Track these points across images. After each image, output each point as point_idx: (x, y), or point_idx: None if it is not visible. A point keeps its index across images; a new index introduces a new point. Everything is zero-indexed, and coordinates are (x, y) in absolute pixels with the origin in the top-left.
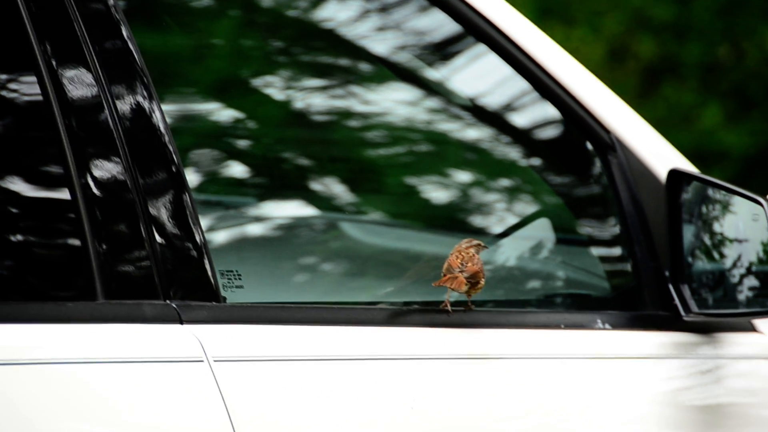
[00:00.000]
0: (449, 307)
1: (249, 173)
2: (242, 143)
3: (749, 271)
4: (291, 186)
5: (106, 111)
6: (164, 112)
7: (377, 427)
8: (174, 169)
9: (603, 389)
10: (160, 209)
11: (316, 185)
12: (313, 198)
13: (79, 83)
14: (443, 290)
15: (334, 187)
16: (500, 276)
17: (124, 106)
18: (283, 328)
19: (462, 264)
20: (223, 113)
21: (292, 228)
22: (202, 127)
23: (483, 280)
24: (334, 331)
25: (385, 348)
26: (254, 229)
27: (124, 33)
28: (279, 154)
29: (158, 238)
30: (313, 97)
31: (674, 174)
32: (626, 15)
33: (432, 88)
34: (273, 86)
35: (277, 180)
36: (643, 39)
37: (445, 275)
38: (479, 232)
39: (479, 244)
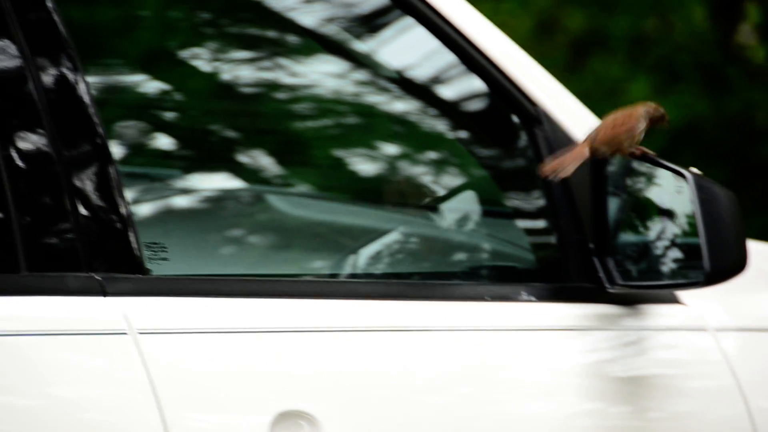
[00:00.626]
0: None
1: (175, 145)
2: (169, 115)
3: (673, 243)
4: (218, 158)
5: (30, 83)
6: (89, 84)
7: (301, 399)
8: (99, 141)
9: (527, 361)
10: (85, 181)
11: (243, 157)
12: (239, 170)
13: (2, 54)
14: (371, 262)
15: (261, 160)
16: (426, 248)
17: (48, 77)
18: (208, 301)
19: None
20: (149, 85)
21: (219, 200)
22: (128, 99)
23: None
24: (260, 304)
25: (311, 320)
26: (180, 202)
27: (48, 4)
28: (206, 127)
29: (82, 210)
30: (240, 70)
31: None
32: None
33: (359, 61)
34: (200, 58)
35: (203, 152)
36: (571, 12)
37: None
38: (407, 204)
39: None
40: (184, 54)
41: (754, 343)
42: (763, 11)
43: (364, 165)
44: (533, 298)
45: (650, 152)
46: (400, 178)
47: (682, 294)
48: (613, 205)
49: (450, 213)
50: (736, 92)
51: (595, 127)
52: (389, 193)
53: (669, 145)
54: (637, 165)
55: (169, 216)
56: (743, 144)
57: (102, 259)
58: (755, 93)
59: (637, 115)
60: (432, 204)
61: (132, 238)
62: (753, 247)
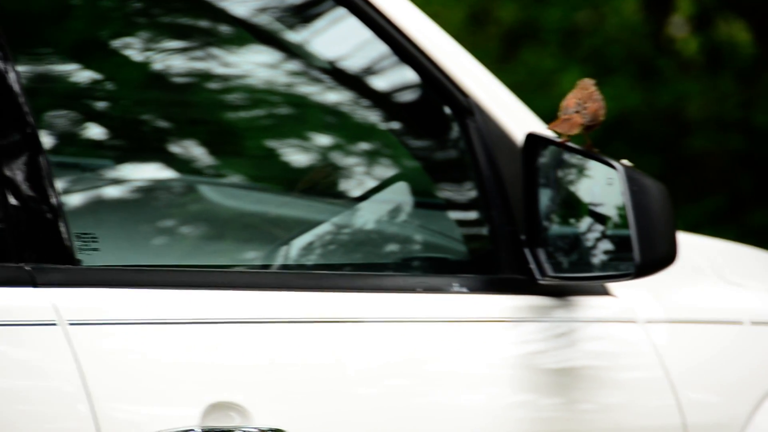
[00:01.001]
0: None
1: (107, 135)
2: (100, 105)
3: (604, 235)
4: (149, 148)
5: None
6: (19, 73)
7: (232, 390)
8: (29, 130)
9: (458, 352)
10: (14, 171)
11: (175, 148)
12: (171, 161)
13: None
14: (302, 253)
15: (193, 150)
16: (358, 239)
17: None
18: (139, 292)
19: (579, 103)
20: (80, 75)
21: (150, 190)
22: (59, 89)
23: (603, 116)
24: (191, 295)
25: (242, 311)
26: (111, 192)
27: None
28: (137, 117)
29: (12, 201)
30: (172, 60)
31: (531, 138)
32: None
33: (292, 51)
34: (132, 48)
35: (135, 142)
36: (503, 3)
37: (559, 116)
38: (338, 196)
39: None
40: (116, 43)
41: (683, 335)
42: (696, 2)
43: (296, 156)
44: (465, 290)
45: (580, 147)
46: (315, 168)
47: (612, 286)
48: (545, 196)
49: (382, 204)
50: (667, 84)
51: (576, 98)
52: (305, 182)
53: (600, 136)
54: (568, 157)
55: (100, 206)
56: (674, 136)
57: (32, 249)
58: (686, 85)
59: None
60: (364, 195)
61: (62, 228)
62: (683, 238)
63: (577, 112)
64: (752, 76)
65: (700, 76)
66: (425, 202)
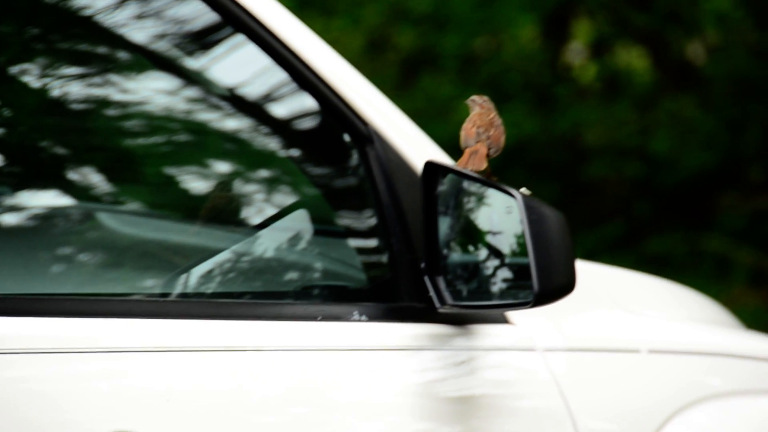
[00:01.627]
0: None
1: (3, 162)
2: None
3: (503, 263)
4: (47, 175)
5: None
6: None
7: (133, 419)
8: None
9: (358, 381)
10: None
11: (72, 175)
12: (69, 188)
13: None
14: (202, 281)
15: (91, 177)
16: (258, 267)
17: None
18: (36, 320)
19: (479, 132)
20: None
21: (48, 218)
22: None
23: (504, 141)
24: (90, 323)
25: (141, 340)
26: (8, 219)
27: None
28: (35, 143)
29: None
30: (70, 86)
31: (430, 166)
32: (385, 6)
33: (191, 78)
34: (29, 74)
35: (32, 169)
36: (402, 30)
37: (464, 150)
38: (238, 223)
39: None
40: (13, 69)
41: (582, 363)
42: (593, 29)
43: (195, 183)
44: (365, 318)
45: (479, 176)
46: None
47: (511, 314)
48: (444, 224)
49: (282, 232)
50: (564, 111)
51: (476, 126)
52: (207, 209)
53: (499, 163)
54: (467, 185)
55: None
56: (572, 162)
57: None
58: (583, 112)
59: (497, 115)
60: (264, 222)
61: None
62: (581, 267)
63: (479, 141)
64: (650, 103)
65: (597, 103)
66: (325, 229)
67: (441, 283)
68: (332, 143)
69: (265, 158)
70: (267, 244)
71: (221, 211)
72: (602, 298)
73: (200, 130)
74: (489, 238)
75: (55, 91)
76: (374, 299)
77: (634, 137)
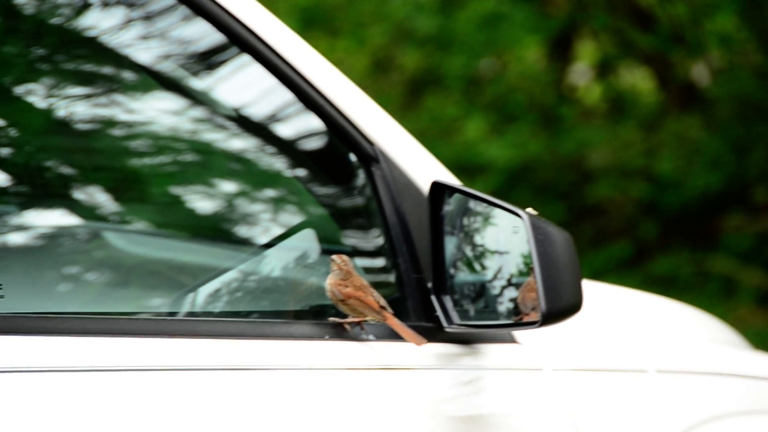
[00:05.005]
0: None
1: (10, 181)
2: (3, 151)
3: (509, 282)
4: (54, 195)
5: None
6: None
7: None
8: None
9: (366, 401)
10: None
11: (79, 194)
12: (76, 207)
13: None
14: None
15: (98, 197)
16: (265, 286)
17: None
18: (45, 339)
19: (376, 298)
20: None
21: (55, 237)
22: None
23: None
24: (97, 342)
25: (149, 359)
26: (16, 238)
27: None
28: (42, 163)
29: None
30: (76, 106)
31: (436, 186)
32: (390, 27)
33: (197, 98)
34: (35, 94)
35: (39, 189)
36: (407, 51)
37: (361, 315)
38: (245, 242)
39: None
40: (19, 89)
41: (589, 382)
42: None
43: (202, 202)
44: (372, 338)
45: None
46: None
47: (519, 334)
48: (451, 244)
49: (289, 251)
50: (569, 132)
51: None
52: None
53: (504, 184)
54: (473, 205)
55: (4, 253)
56: (578, 183)
57: None
58: (589, 133)
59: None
60: (271, 242)
61: None
62: (588, 287)
63: (383, 307)
64: (655, 124)
65: (603, 124)
66: (332, 249)
67: (448, 302)
68: (338, 163)
69: (271, 178)
70: (274, 263)
71: None
72: (609, 317)
73: (206, 149)
74: (495, 258)
75: (61, 110)
76: None
77: (640, 158)
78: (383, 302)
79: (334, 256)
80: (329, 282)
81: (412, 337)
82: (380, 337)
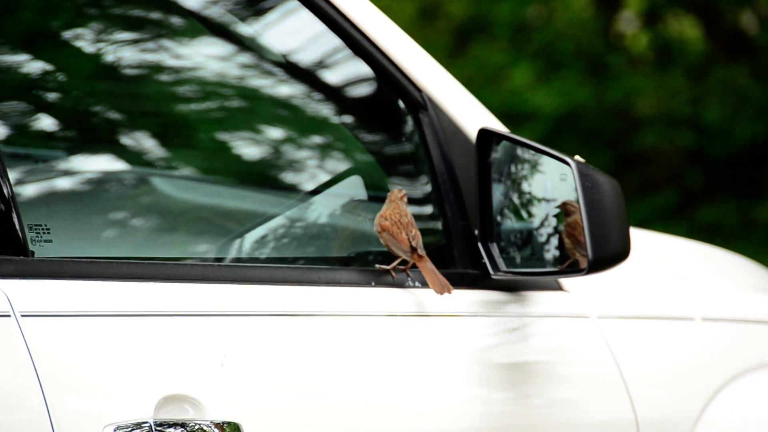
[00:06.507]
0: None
1: (59, 127)
2: (52, 96)
3: (556, 230)
4: (101, 140)
5: None
6: None
7: (188, 383)
8: None
9: (412, 346)
10: None
11: (126, 140)
12: (123, 152)
13: None
14: (256, 246)
15: (145, 142)
16: (312, 233)
17: None
18: (92, 283)
19: (410, 238)
20: (32, 65)
21: (103, 182)
22: (10, 79)
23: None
24: (144, 287)
25: (195, 304)
26: (64, 183)
27: None
28: (89, 108)
29: None
30: (124, 51)
31: (484, 133)
32: None
33: (244, 44)
34: (83, 39)
35: (87, 134)
36: None
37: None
38: (291, 189)
39: (401, 196)
40: (67, 35)
41: (635, 330)
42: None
43: (248, 149)
44: (419, 285)
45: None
46: None
47: (565, 281)
48: (498, 192)
49: (336, 198)
50: (617, 80)
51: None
52: None
53: (551, 132)
54: (521, 152)
55: (52, 198)
56: (624, 131)
57: None
58: (636, 81)
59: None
60: (318, 189)
61: (15, 219)
62: (635, 234)
63: (414, 250)
64: (702, 72)
65: (650, 72)
66: (379, 196)
67: (494, 250)
68: (386, 110)
69: (318, 124)
70: (321, 210)
71: None
72: (656, 265)
73: (253, 95)
74: (543, 205)
75: (108, 56)
76: None
77: (686, 107)
78: (417, 244)
79: (392, 187)
80: (378, 213)
81: (435, 284)
82: (425, 284)
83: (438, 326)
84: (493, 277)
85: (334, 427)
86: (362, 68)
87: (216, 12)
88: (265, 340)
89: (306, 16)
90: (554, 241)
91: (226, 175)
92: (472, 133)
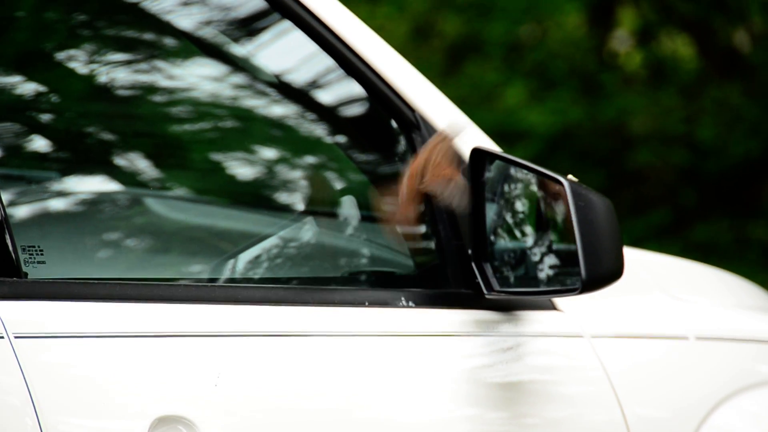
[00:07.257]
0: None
1: (52, 148)
2: (45, 117)
3: (550, 249)
4: (95, 161)
5: None
6: None
7: (181, 404)
8: None
9: (406, 367)
10: None
11: (120, 160)
12: (117, 173)
13: None
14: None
15: (139, 163)
16: (305, 253)
17: None
18: (85, 305)
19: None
20: (25, 86)
21: (96, 203)
22: (3, 100)
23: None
24: (137, 308)
25: (189, 325)
26: (57, 204)
27: None
28: (83, 129)
29: None
30: (117, 72)
31: (477, 152)
32: None
33: (237, 64)
34: (77, 60)
35: (80, 155)
36: (447, 17)
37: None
38: (284, 209)
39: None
40: (60, 55)
41: (630, 349)
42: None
43: (242, 169)
44: (412, 304)
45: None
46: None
47: (559, 301)
48: (491, 211)
49: (330, 218)
50: (610, 98)
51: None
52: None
53: (545, 150)
54: (514, 171)
55: (46, 219)
56: (618, 150)
57: None
58: (629, 99)
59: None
60: (311, 209)
61: (8, 240)
62: (629, 254)
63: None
64: (695, 90)
65: (643, 90)
66: (372, 215)
67: (488, 269)
68: (379, 129)
69: (311, 144)
70: (314, 229)
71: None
72: (650, 284)
73: (247, 116)
74: (536, 225)
75: (101, 77)
76: (421, 285)
77: (680, 125)
78: None
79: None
80: None
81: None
82: (419, 303)
83: (432, 346)
84: (487, 296)
85: None
86: (355, 88)
87: (209, 33)
88: (259, 361)
89: (299, 36)
90: (548, 260)
91: (219, 196)
92: (465, 153)
